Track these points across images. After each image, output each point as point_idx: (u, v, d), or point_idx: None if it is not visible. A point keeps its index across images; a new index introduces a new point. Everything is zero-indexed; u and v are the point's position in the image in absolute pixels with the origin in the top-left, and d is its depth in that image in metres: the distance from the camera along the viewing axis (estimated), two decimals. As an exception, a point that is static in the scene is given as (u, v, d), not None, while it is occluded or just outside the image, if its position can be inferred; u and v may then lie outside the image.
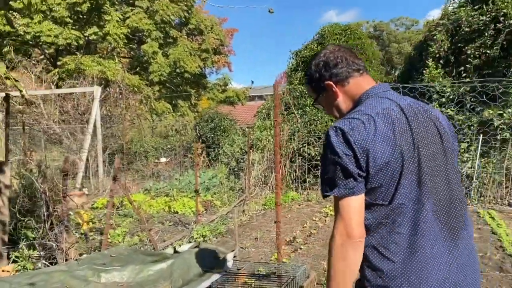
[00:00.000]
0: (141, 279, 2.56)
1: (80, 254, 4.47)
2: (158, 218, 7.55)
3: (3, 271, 3.85)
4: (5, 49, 14.29)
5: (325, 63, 1.55)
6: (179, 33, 19.92)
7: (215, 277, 2.70)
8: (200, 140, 13.98)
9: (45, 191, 3.74)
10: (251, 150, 9.14)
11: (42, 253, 3.77)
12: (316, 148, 9.26)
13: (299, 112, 10.04)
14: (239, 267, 3.26)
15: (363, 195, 1.35)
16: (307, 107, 9.94)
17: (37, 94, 11.25)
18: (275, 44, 78.21)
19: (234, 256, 3.16)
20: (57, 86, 13.64)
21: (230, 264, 2.90)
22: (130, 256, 3.02)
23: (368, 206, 1.37)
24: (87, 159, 9.89)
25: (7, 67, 12.23)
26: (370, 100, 1.47)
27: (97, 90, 10.16)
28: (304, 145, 9.40)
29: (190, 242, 6.04)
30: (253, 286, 2.93)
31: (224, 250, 3.16)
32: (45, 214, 3.75)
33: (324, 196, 1.41)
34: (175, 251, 3.11)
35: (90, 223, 4.15)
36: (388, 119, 1.38)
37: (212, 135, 13.88)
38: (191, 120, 17.52)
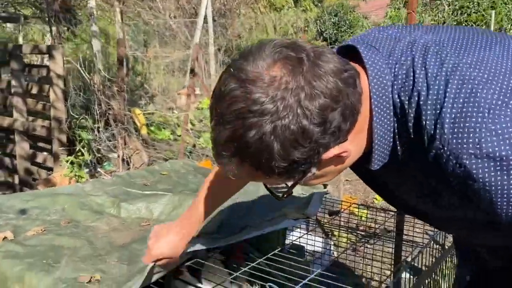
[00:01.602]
0: (177, 217, 1.66)
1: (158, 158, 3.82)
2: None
3: (61, 175, 3.36)
4: None
5: (320, 124, 0.64)
6: None
7: (289, 224, 1.62)
8: (321, 38, 12.41)
9: (96, 83, 2.95)
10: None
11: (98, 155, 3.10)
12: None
13: (448, -3, 7.76)
14: (333, 211, 2.16)
15: None
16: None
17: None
18: None
19: (327, 193, 2.05)
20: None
21: (317, 206, 1.75)
22: (185, 177, 2.24)
23: None
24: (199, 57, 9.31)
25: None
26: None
27: (207, -22, 9.19)
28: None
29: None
30: (357, 247, 1.86)
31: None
32: (98, 112, 3.00)
33: None
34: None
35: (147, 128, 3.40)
36: None
37: (335, 31, 12.13)
38: (315, 17, 15.75)
